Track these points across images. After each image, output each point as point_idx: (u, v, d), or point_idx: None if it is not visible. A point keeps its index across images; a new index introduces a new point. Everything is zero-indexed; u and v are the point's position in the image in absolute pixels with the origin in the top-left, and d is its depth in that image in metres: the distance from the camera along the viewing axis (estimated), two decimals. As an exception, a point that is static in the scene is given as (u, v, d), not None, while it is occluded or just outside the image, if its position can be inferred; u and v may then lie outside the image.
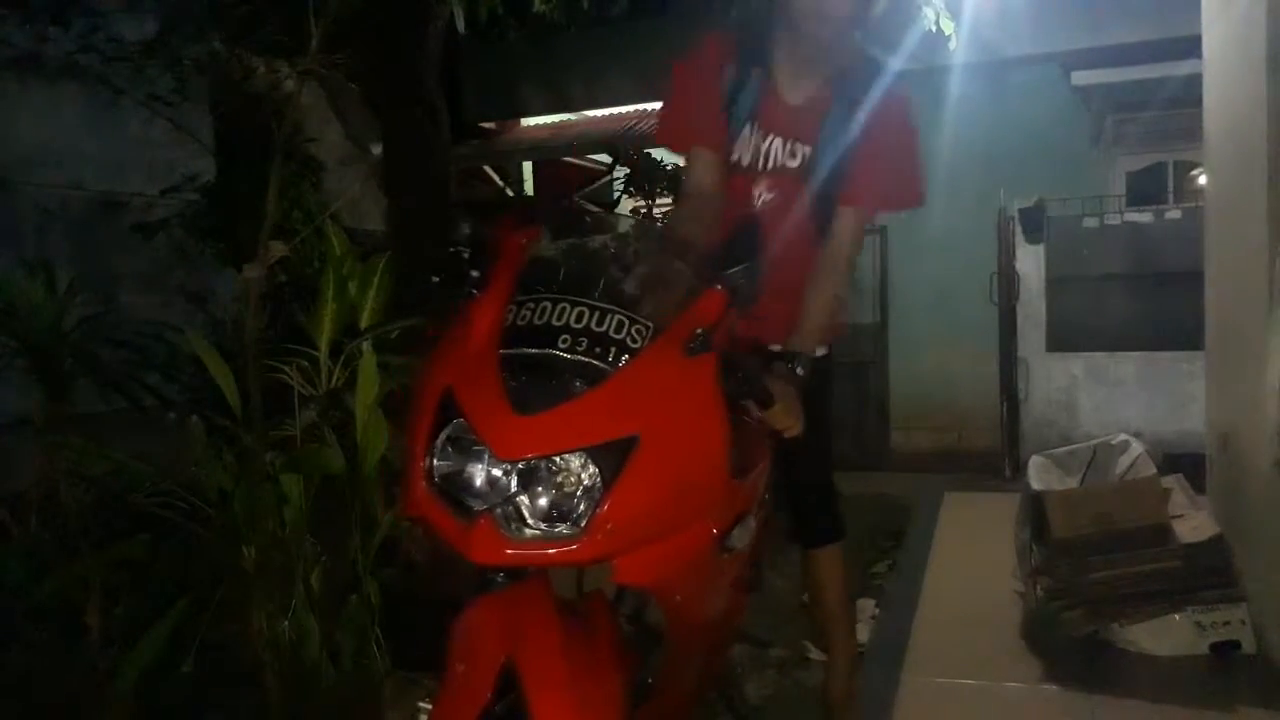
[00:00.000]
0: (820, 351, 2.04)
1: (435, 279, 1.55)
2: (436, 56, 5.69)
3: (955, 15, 4.47)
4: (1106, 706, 2.43)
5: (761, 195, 1.99)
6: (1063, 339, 5.60)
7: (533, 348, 1.39)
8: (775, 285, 1.97)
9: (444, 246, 1.59)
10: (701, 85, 1.97)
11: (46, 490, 2.79)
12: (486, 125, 10.37)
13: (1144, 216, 5.66)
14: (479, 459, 1.31)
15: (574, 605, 1.38)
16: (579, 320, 1.40)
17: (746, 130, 1.97)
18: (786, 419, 1.60)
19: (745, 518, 1.59)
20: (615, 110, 9.94)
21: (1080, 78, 6.49)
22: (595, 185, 9.59)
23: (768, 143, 1.97)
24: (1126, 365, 5.45)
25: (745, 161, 1.98)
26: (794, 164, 1.96)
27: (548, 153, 10.19)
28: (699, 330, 1.40)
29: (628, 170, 7.75)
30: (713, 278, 1.46)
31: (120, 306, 4.27)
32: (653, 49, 8.96)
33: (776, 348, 1.92)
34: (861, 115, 1.88)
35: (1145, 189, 7.37)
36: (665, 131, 2.09)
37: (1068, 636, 2.73)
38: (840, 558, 2.26)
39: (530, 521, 1.28)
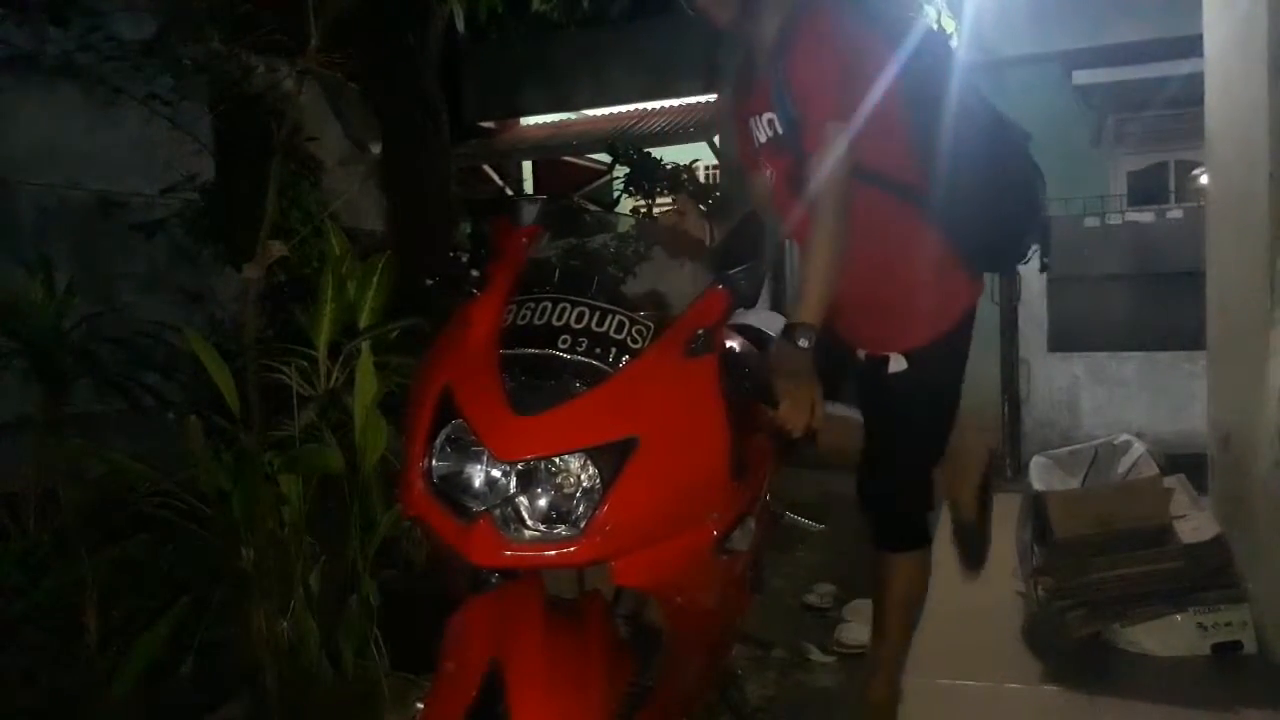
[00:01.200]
0: (899, 363, 1.94)
1: (430, 282, 1.55)
2: (436, 56, 5.69)
3: (956, 14, 4.47)
4: (1108, 707, 2.43)
5: (767, 175, 1.97)
6: (1064, 339, 5.59)
7: (532, 348, 1.39)
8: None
9: (443, 246, 1.59)
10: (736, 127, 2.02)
11: (45, 490, 2.78)
12: (486, 125, 10.38)
13: (1145, 216, 5.66)
14: (478, 460, 1.30)
15: (569, 605, 1.37)
16: (579, 320, 1.40)
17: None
18: (794, 416, 1.50)
19: (746, 519, 1.58)
20: (615, 109, 9.95)
21: (1081, 77, 6.50)
22: (595, 185, 9.60)
23: (750, 127, 1.95)
24: (1128, 365, 5.45)
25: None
26: (770, 134, 1.90)
27: (548, 152, 10.21)
28: (700, 331, 1.39)
29: (627, 169, 7.75)
30: (714, 278, 1.45)
31: (119, 306, 4.26)
32: (653, 49, 9.01)
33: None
34: (785, 55, 1.76)
35: (1146, 188, 7.38)
36: None
37: (1069, 637, 2.73)
38: (911, 567, 2.12)
39: (529, 523, 1.27)
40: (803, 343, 1.58)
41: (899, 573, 2.13)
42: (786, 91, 1.76)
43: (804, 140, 1.74)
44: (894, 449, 2.05)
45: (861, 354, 2.00)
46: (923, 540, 2.14)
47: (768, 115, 1.88)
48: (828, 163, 1.70)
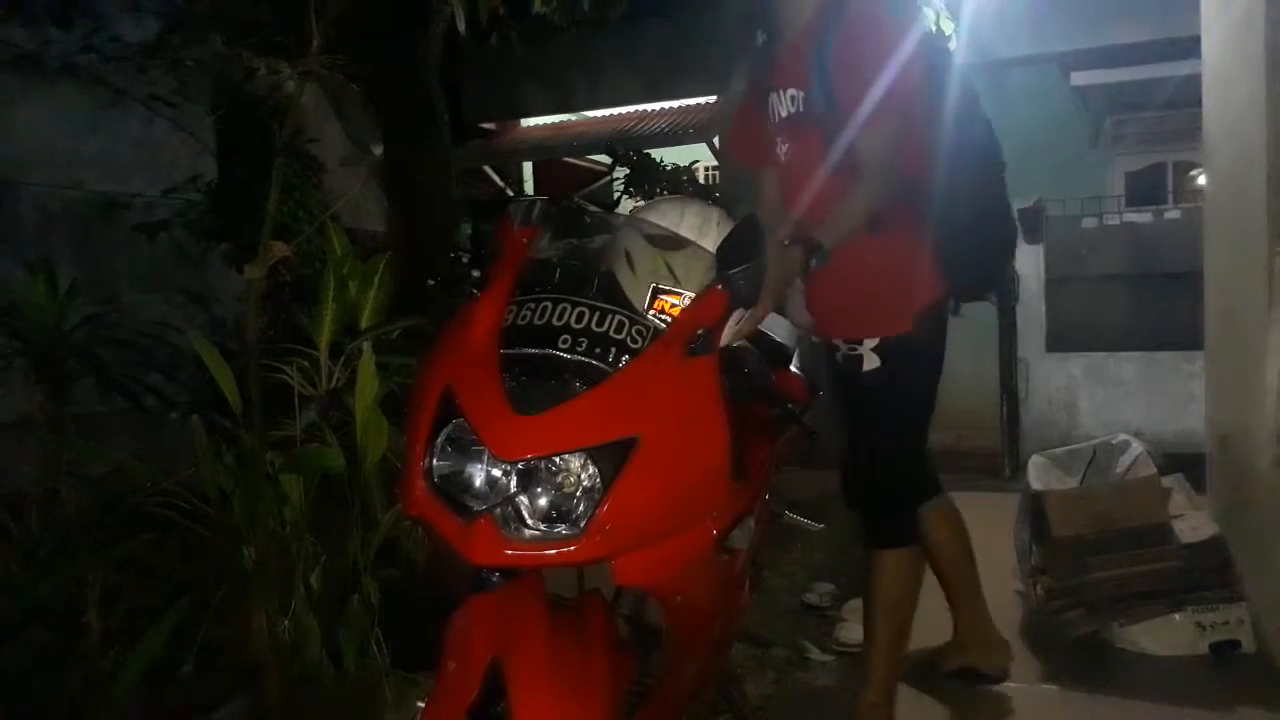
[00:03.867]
0: (872, 360, 2.00)
1: (431, 283, 1.56)
2: (437, 57, 5.70)
3: (955, 15, 4.47)
4: (1107, 706, 2.43)
5: (781, 150, 2.04)
6: (1062, 339, 5.59)
7: (533, 348, 1.39)
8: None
9: (444, 247, 1.60)
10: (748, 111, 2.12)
11: (47, 490, 2.79)
12: (487, 126, 10.38)
13: (1143, 217, 5.67)
14: (478, 459, 1.31)
15: (569, 605, 1.38)
16: (579, 320, 1.40)
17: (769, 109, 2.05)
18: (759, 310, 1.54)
19: (746, 519, 1.58)
20: (615, 111, 9.95)
21: (1079, 78, 6.50)
22: (595, 186, 9.60)
23: (770, 102, 2.02)
24: (1126, 365, 5.45)
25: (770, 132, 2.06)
26: (793, 109, 1.97)
27: (548, 153, 10.20)
28: (700, 330, 1.40)
29: (628, 170, 7.76)
30: (713, 278, 1.45)
31: (122, 306, 4.27)
32: (652, 50, 9.01)
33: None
34: (835, 38, 1.84)
35: (1144, 189, 7.39)
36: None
37: (1068, 636, 2.73)
38: (895, 566, 2.13)
39: (530, 522, 1.28)
40: (814, 264, 1.70)
41: (883, 571, 2.15)
42: (832, 69, 1.84)
43: (843, 116, 1.82)
44: (872, 446, 2.11)
45: (839, 355, 2.06)
46: (909, 539, 2.17)
47: (791, 91, 1.95)
48: (883, 135, 1.82)
